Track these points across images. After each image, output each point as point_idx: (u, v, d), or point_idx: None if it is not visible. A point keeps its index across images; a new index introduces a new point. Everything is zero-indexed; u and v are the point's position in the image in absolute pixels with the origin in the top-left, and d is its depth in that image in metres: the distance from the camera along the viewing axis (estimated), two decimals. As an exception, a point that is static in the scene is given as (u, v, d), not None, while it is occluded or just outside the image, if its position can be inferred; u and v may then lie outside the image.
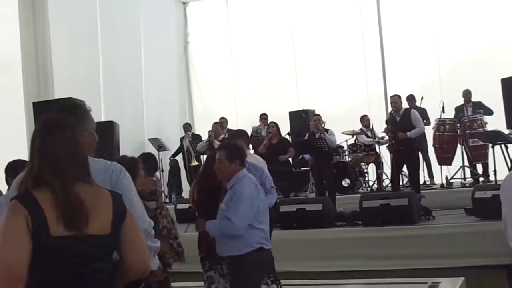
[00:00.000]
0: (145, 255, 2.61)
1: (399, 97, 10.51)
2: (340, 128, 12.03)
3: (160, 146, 12.85)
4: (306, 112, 12.69)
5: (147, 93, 13.86)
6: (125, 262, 2.55)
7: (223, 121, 12.52)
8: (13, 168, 4.42)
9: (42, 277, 2.37)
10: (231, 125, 12.98)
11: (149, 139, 13.12)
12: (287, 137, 12.19)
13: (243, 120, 13.23)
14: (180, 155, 13.51)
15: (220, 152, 4.63)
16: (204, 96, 15.85)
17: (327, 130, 10.59)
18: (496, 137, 9.30)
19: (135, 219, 2.58)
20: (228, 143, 5.07)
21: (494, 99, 11.06)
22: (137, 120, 13.31)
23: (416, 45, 13.81)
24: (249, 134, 11.76)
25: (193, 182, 6.01)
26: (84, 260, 2.42)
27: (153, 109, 14.13)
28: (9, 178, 4.48)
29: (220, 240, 4.51)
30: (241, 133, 6.44)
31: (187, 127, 13.50)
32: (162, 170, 12.39)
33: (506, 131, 9.56)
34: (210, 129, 11.88)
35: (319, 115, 10.88)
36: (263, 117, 12.79)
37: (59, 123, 2.56)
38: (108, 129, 9.14)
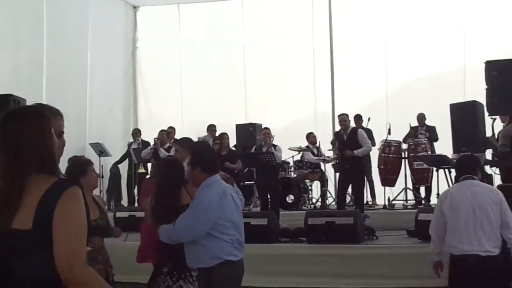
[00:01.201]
0: (65, 259, 2.27)
1: (347, 116, 10.58)
2: (286, 144, 11.99)
3: (102, 152, 12.51)
4: (253, 125, 12.61)
5: (91, 96, 13.51)
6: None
7: (171, 131, 12.30)
8: None
9: None
10: (176, 134, 12.81)
11: (90, 144, 12.74)
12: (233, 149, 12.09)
13: (190, 130, 12.97)
14: (126, 161, 13.23)
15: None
16: (150, 103, 15.56)
17: (275, 146, 10.53)
18: (441, 162, 9.44)
19: (69, 218, 2.30)
20: (193, 148, 4.92)
21: (439, 123, 11.31)
22: (79, 124, 12.92)
23: (365, 66, 13.99)
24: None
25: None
26: (7, 255, 2.26)
27: (96, 113, 13.78)
28: None
29: (189, 251, 4.34)
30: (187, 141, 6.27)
31: (136, 133, 13.23)
32: (103, 177, 12.05)
33: (451, 156, 9.70)
34: (156, 137, 11.67)
35: (268, 129, 10.82)
36: (212, 128, 12.61)
37: (26, 114, 2.43)
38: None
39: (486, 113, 9.14)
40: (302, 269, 8.51)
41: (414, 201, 11.57)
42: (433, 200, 10.91)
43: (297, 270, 8.53)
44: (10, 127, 2.38)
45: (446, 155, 9.46)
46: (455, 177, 5.75)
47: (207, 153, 4.57)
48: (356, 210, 9.65)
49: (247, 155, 10.72)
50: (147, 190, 5.60)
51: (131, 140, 13.32)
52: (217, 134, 11.78)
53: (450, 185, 9.51)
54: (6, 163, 2.34)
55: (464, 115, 8.09)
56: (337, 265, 8.41)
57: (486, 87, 7.64)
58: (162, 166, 5.54)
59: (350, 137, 10.34)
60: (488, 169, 9.58)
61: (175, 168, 5.02)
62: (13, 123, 2.39)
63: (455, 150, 8.71)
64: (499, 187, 8.26)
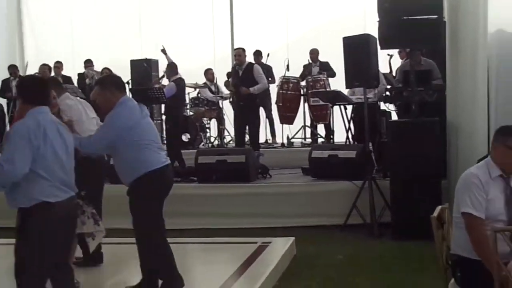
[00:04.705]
0: None
1: (243, 50, 10.13)
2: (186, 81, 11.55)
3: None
4: (148, 61, 12.02)
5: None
6: None
7: (58, 66, 11.55)
8: None
9: None
10: (68, 71, 12.15)
11: (-29, 81, 11.87)
12: (126, 86, 11.48)
13: (81, 66, 12.26)
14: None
15: None
16: (38, 39, 14.56)
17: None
18: (336, 97, 9.23)
19: None
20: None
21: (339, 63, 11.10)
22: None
23: (266, 5, 13.57)
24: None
25: None
26: None
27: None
28: None
29: (7, 192, 3.81)
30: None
31: (13, 70, 12.31)
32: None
33: (346, 92, 9.52)
34: (37, 72, 10.92)
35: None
36: (87, 64, 11.95)
37: None
38: None
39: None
40: (192, 210, 8.26)
41: (311, 139, 11.45)
42: (335, 138, 10.80)
43: (187, 210, 8.25)
44: None
45: (341, 91, 9.25)
46: None
47: (31, 84, 4.11)
48: (248, 148, 9.39)
49: (136, 91, 10.12)
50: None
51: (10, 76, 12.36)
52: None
53: (346, 122, 9.39)
54: None
55: (357, 49, 7.79)
56: (228, 204, 8.24)
57: (378, 19, 7.37)
58: None
59: (245, 72, 9.95)
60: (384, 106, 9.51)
61: None
62: None
63: (347, 85, 8.48)
64: (391, 122, 8.20)
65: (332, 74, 11.18)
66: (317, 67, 11.47)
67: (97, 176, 5.73)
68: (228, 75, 11.20)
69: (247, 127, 10.40)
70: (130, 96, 10.14)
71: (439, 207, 4.07)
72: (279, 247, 6.43)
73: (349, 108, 9.45)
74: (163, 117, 11.05)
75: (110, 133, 4.64)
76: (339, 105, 9.36)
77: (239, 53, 10.05)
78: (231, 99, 10.98)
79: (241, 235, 7.35)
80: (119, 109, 4.67)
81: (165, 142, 10.03)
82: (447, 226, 4.05)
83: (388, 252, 6.76)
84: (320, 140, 11.32)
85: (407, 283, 5.53)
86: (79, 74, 11.58)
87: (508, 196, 3.75)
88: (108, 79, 5.32)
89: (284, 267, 6.07)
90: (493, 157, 3.85)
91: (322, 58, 11.62)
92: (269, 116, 11.93)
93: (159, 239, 4.77)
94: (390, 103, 8.77)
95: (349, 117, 9.31)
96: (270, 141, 12.02)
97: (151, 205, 4.74)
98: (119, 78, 5.04)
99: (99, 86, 4.92)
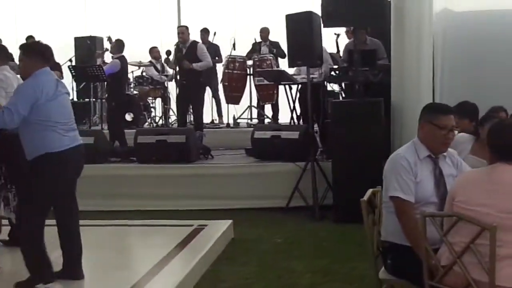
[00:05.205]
0: None
1: (186, 28, 9.87)
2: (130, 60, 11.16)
3: None
4: (92, 38, 11.58)
5: None
6: None
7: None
8: None
9: None
10: (10, 48, 11.59)
11: None
12: (68, 63, 11.06)
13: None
14: None
15: None
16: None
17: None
18: (280, 77, 9.01)
19: None
20: None
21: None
22: None
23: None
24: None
25: None
26: None
27: None
28: None
29: None
30: None
31: None
32: None
33: (293, 71, 9.30)
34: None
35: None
36: (29, 40, 11.47)
37: None
38: None
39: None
40: (132, 191, 8.01)
41: (258, 120, 11.23)
42: (281, 118, 10.63)
43: (126, 191, 8.02)
44: None
45: (285, 70, 9.03)
46: None
47: None
48: (189, 128, 9.16)
49: (76, 68, 9.73)
50: None
51: None
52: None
53: (291, 102, 9.19)
54: None
55: (300, 27, 7.57)
56: (168, 185, 8.01)
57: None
58: None
59: (189, 50, 9.67)
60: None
61: None
62: None
63: (290, 64, 8.23)
64: (335, 103, 8.01)
65: (282, 54, 10.93)
66: (266, 47, 11.21)
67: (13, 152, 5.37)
68: (168, 52, 10.81)
69: (190, 107, 10.13)
70: (72, 74, 9.91)
71: (370, 190, 3.88)
72: (215, 230, 6.20)
73: (294, 88, 9.26)
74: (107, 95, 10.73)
75: (29, 99, 4.25)
76: (284, 84, 9.15)
77: (182, 31, 9.78)
78: (174, 78, 10.66)
79: (180, 217, 7.09)
80: (30, 81, 4.31)
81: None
82: (378, 211, 3.87)
83: (328, 235, 6.61)
84: (267, 120, 11.10)
85: (344, 268, 5.35)
86: (21, 51, 11.10)
87: (437, 177, 3.56)
88: (36, 46, 4.81)
89: (219, 251, 5.86)
90: (420, 136, 3.68)
91: (271, 38, 11.37)
92: (216, 96, 11.69)
93: (38, 223, 4.39)
94: (335, 83, 8.59)
95: (294, 97, 9.13)
96: (216, 121, 11.77)
97: (44, 186, 4.35)
98: (49, 48, 4.60)
99: (25, 52, 4.48)
